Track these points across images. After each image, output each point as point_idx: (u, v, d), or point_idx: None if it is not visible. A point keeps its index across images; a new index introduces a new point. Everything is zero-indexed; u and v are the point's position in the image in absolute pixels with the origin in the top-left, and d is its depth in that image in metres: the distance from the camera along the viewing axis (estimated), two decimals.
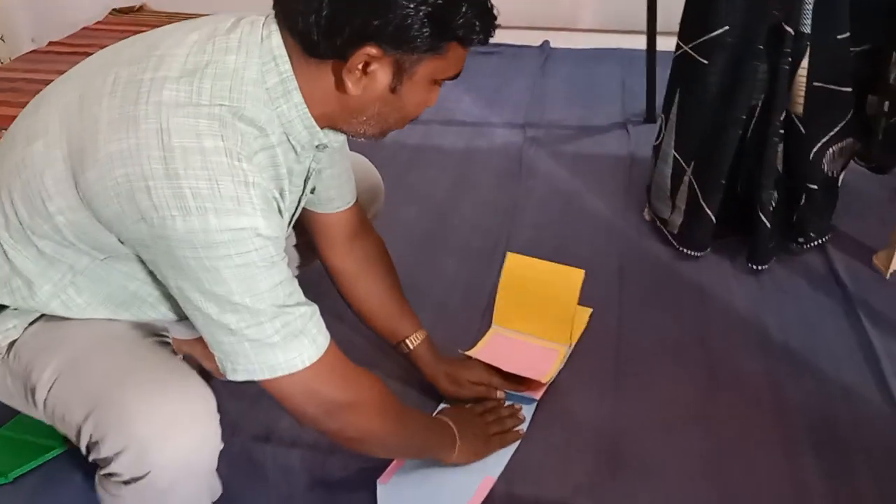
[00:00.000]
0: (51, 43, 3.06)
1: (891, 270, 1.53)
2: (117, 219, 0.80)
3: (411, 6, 0.77)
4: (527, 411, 1.22)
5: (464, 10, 0.80)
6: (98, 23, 3.33)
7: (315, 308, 0.87)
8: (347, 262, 1.18)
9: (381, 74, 0.82)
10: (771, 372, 1.31)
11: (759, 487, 1.10)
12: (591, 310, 1.44)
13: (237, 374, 0.84)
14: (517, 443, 1.17)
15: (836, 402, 1.25)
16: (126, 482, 0.86)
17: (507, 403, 1.23)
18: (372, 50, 0.79)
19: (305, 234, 1.18)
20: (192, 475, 0.89)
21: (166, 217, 0.76)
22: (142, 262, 0.88)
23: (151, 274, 0.90)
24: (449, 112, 2.30)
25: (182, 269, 0.79)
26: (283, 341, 0.83)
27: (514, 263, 1.35)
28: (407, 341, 1.22)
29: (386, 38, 0.79)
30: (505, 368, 1.24)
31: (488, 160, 2.08)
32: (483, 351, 1.31)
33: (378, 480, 1.11)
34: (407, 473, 1.12)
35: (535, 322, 1.34)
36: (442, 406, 1.24)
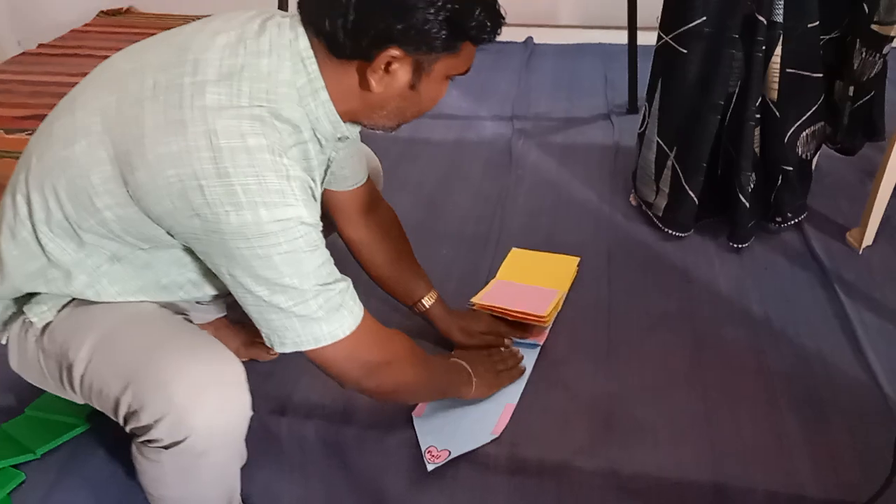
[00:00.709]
0: (41, 45, 3.09)
1: (863, 246, 1.62)
2: (169, 215, 0.86)
3: (431, 11, 0.84)
4: (531, 355, 1.36)
5: (477, 12, 0.87)
6: (86, 25, 3.36)
7: (349, 281, 0.95)
8: (363, 233, 1.27)
9: (402, 73, 0.90)
10: (753, 340, 1.40)
11: (744, 442, 1.18)
12: (578, 258, 1.61)
13: (285, 346, 0.92)
14: (527, 376, 1.31)
15: (814, 365, 1.33)
16: (166, 447, 0.91)
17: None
18: (395, 51, 0.86)
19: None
20: (227, 439, 0.95)
21: (220, 213, 0.83)
22: (186, 250, 0.94)
23: (193, 261, 0.97)
24: (438, 106, 2.30)
25: (235, 258, 0.86)
26: (326, 315, 0.91)
27: (517, 255, 1.55)
28: (422, 301, 1.33)
29: (408, 40, 0.86)
30: (508, 307, 1.37)
31: (478, 152, 2.16)
32: (488, 294, 1.45)
33: (413, 413, 1.23)
34: (438, 405, 1.24)
35: (534, 278, 1.52)
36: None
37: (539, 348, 1.37)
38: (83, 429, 1.24)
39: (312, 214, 0.89)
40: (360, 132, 1.05)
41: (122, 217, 0.89)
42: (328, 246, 0.94)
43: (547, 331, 1.41)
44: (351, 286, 0.96)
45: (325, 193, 1.20)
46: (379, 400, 1.08)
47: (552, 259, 1.61)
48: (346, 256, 1.26)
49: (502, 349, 1.34)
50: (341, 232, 1.28)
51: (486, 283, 1.53)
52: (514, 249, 1.64)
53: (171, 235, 0.90)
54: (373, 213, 1.28)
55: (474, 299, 1.42)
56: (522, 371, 1.32)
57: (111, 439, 1.23)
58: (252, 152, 0.83)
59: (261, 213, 0.83)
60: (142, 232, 0.91)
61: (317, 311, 0.90)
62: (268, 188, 0.83)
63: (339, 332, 0.92)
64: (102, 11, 3.47)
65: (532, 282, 1.51)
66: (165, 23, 3.22)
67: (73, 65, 2.85)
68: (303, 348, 0.92)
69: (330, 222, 1.27)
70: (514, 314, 1.37)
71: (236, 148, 0.83)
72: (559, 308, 1.46)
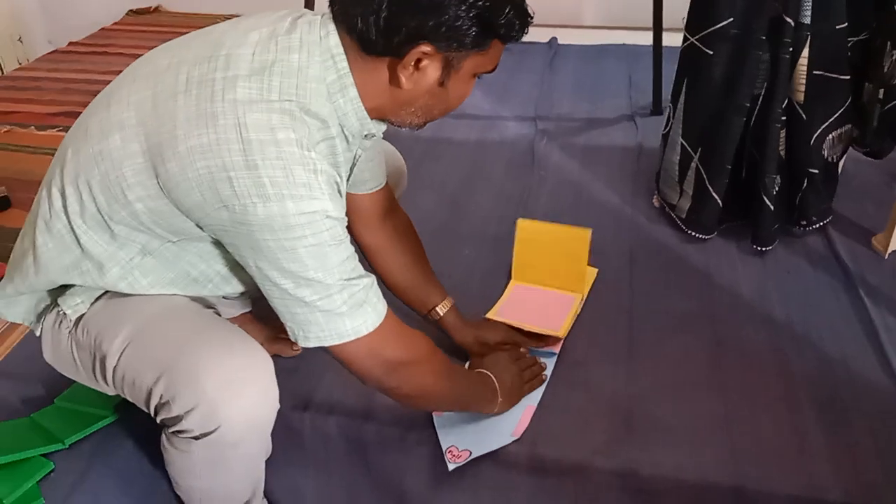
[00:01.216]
0: (71, 43, 3.15)
1: (889, 251, 1.61)
2: (198, 207, 0.88)
3: (462, 8, 0.85)
4: (549, 365, 1.35)
5: (507, 10, 0.88)
6: (115, 23, 3.42)
7: (373, 278, 0.96)
8: (379, 238, 1.27)
9: (432, 70, 0.90)
10: (775, 343, 1.39)
11: (764, 444, 1.18)
12: (597, 270, 1.58)
13: (309, 341, 0.93)
14: (545, 384, 1.31)
15: (836, 368, 1.33)
16: (196, 437, 0.93)
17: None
18: (426, 48, 0.87)
19: None
20: (257, 430, 0.97)
21: (247, 204, 0.84)
22: (215, 243, 0.96)
23: (222, 254, 0.98)
24: (461, 106, 2.35)
25: (261, 250, 0.87)
26: (350, 311, 0.92)
27: (525, 227, 1.50)
28: (437, 309, 1.32)
29: (439, 37, 0.87)
30: (524, 323, 1.36)
31: (500, 152, 2.16)
32: (504, 308, 1.44)
33: (434, 413, 1.23)
34: None
35: (550, 277, 1.50)
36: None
37: (556, 357, 1.37)
38: (111, 419, 1.27)
39: (338, 209, 0.90)
40: (384, 132, 1.06)
41: (153, 209, 0.91)
42: None
43: (563, 340, 1.40)
44: (375, 283, 0.96)
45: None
46: (400, 402, 1.07)
47: (564, 233, 1.49)
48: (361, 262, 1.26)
49: (526, 357, 1.33)
50: (357, 236, 1.26)
51: (508, 283, 1.54)
52: (520, 220, 1.52)
53: (200, 228, 0.92)
54: (389, 218, 1.28)
55: (489, 314, 1.42)
56: (543, 381, 1.31)
57: (138, 431, 1.25)
58: (281, 145, 0.84)
59: (287, 206, 0.84)
60: (172, 224, 0.93)
61: (341, 306, 0.91)
62: (295, 181, 0.84)
63: (362, 329, 0.93)
64: (131, 10, 3.53)
65: (548, 266, 1.49)
66: (193, 21, 3.27)
67: (102, 63, 2.90)
68: (326, 343, 0.93)
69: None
70: (530, 328, 1.37)
71: (265, 141, 0.84)
72: (578, 314, 1.45)
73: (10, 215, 1.92)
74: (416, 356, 1.02)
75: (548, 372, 1.33)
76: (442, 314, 1.32)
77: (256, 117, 0.85)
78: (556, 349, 1.38)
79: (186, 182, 0.86)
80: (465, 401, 1.17)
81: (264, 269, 0.89)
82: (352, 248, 0.94)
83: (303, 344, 0.94)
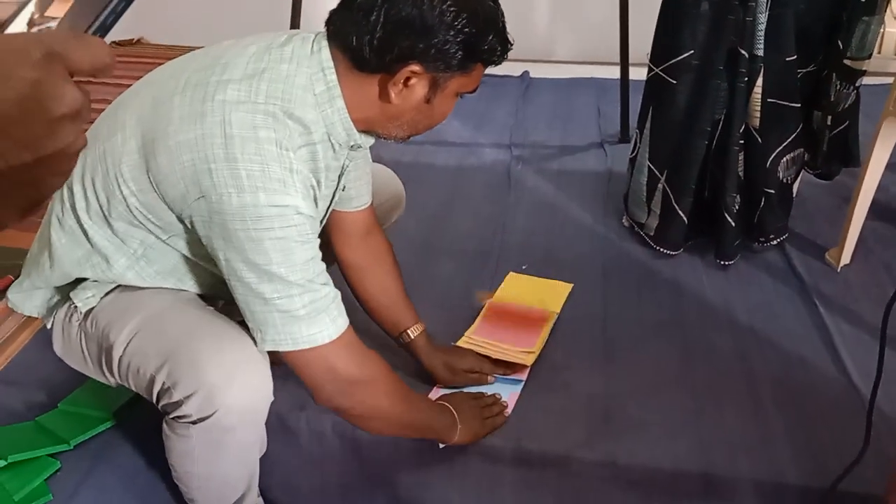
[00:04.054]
0: None
1: (842, 264, 1.74)
2: (181, 199, 0.94)
3: (451, 34, 0.95)
4: (515, 391, 1.38)
5: (490, 37, 0.98)
6: None
7: (338, 293, 1.00)
8: (359, 256, 1.31)
9: (420, 87, 0.99)
10: (739, 347, 1.50)
11: (731, 437, 1.28)
12: (571, 284, 1.68)
13: (265, 343, 0.96)
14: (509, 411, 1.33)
15: (796, 370, 1.44)
16: (194, 422, 0.99)
17: (496, 384, 1.39)
18: (415, 67, 0.96)
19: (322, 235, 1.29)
20: (252, 417, 1.03)
21: (223, 194, 0.90)
22: (198, 243, 0.99)
23: (203, 256, 1.02)
24: (440, 134, 2.49)
25: (231, 240, 0.92)
26: (307, 316, 0.95)
27: (514, 279, 1.63)
28: (408, 332, 1.34)
29: (428, 58, 0.96)
30: (495, 349, 1.42)
31: (479, 176, 2.27)
32: (482, 323, 1.52)
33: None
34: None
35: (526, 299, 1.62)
36: (438, 391, 1.38)
37: (522, 384, 1.40)
38: (110, 424, 1.32)
39: (310, 207, 0.94)
40: (372, 153, 1.12)
41: (144, 203, 0.97)
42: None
43: (529, 368, 1.42)
44: (339, 297, 0.99)
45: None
46: (355, 424, 1.08)
47: (546, 285, 1.67)
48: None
49: (487, 395, 1.34)
50: (337, 252, 1.30)
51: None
52: (511, 274, 1.70)
53: (182, 221, 0.97)
54: (370, 238, 1.31)
55: (469, 331, 1.48)
56: (505, 420, 1.31)
57: (140, 433, 1.31)
58: (261, 143, 0.90)
59: (259, 197, 0.89)
60: (160, 218, 0.98)
61: (300, 308, 0.94)
62: (270, 176, 0.90)
63: (318, 338, 0.96)
64: (114, 42, 3.60)
65: (525, 297, 1.60)
66: (174, 53, 3.33)
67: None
68: (281, 348, 0.96)
69: (330, 252, 1.29)
70: (500, 352, 1.41)
71: (247, 137, 0.90)
72: (545, 340, 1.49)
73: (5, 234, 1.96)
74: (371, 376, 1.03)
75: (514, 399, 1.35)
76: (413, 337, 1.34)
77: (241, 116, 0.91)
78: (524, 376, 1.41)
79: (173, 174, 0.92)
80: (421, 427, 1.18)
81: (232, 261, 0.93)
82: (319, 253, 0.97)
83: (260, 347, 0.97)
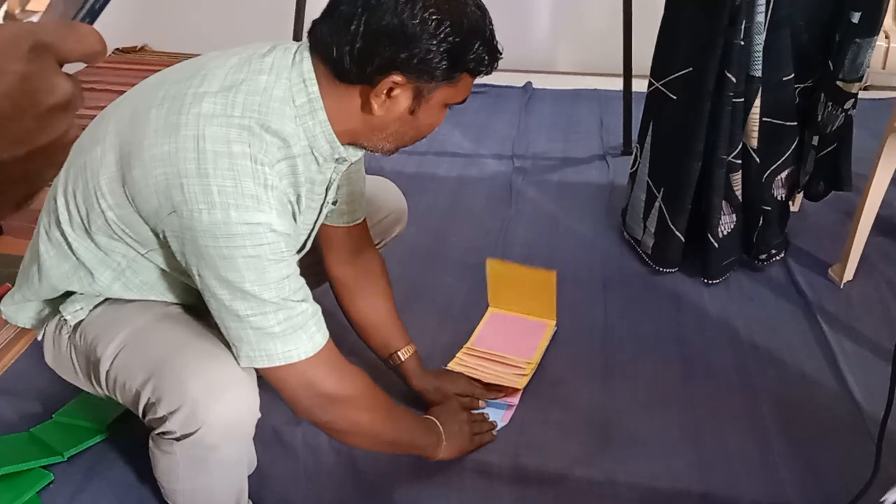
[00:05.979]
0: None
1: (845, 280, 1.72)
2: (155, 213, 0.92)
3: (434, 43, 0.91)
4: (506, 415, 1.36)
5: (476, 46, 0.95)
6: (103, 61, 3.49)
7: (318, 308, 0.97)
8: (350, 273, 1.28)
9: (403, 98, 0.95)
10: (739, 363, 1.49)
11: (731, 456, 1.27)
12: (555, 271, 1.57)
13: (241, 359, 0.95)
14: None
15: (796, 386, 1.42)
16: (178, 439, 0.98)
17: (487, 408, 1.37)
18: (397, 78, 0.92)
19: (314, 253, 1.22)
20: (237, 435, 1.01)
21: (194, 210, 0.88)
22: (175, 257, 0.97)
23: (181, 270, 1.00)
24: (442, 145, 2.49)
25: (203, 257, 0.90)
26: (282, 333, 0.93)
27: (495, 266, 1.57)
28: (399, 353, 1.31)
29: (410, 68, 0.92)
30: (487, 371, 1.41)
31: (480, 187, 2.26)
32: (482, 334, 1.51)
33: None
34: None
35: (523, 307, 1.60)
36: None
37: (514, 409, 1.37)
38: (102, 437, 1.31)
39: (285, 225, 0.92)
40: (374, 164, 1.10)
41: (121, 217, 0.95)
42: (317, 299, 0.98)
43: (521, 391, 1.40)
44: (319, 312, 0.97)
45: (320, 227, 1.19)
46: (337, 438, 1.07)
47: (531, 276, 1.57)
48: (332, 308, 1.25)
49: (477, 413, 1.33)
50: (328, 268, 1.27)
51: (487, 309, 1.62)
52: (489, 260, 1.57)
53: (156, 235, 0.95)
54: (363, 255, 1.28)
55: (469, 342, 1.47)
56: (493, 438, 1.30)
57: (133, 446, 1.29)
58: (234, 157, 0.88)
59: (231, 214, 0.87)
60: (137, 232, 0.97)
61: (274, 326, 0.92)
62: (243, 192, 0.88)
63: (293, 355, 0.94)
64: (118, 49, 3.60)
65: (520, 299, 1.57)
66: (177, 60, 3.32)
67: (89, 99, 2.89)
68: (256, 364, 0.94)
69: (320, 271, 1.28)
70: (491, 376, 1.39)
71: (220, 152, 0.88)
72: (543, 351, 1.48)
73: (3, 241, 1.96)
74: (351, 393, 1.01)
75: (503, 423, 1.33)
76: (403, 359, 1.31)
77: (215, 130, 0.89)
78: (515, 400, 1.39)
79: (147, 188, 0.90)
80: (404, 444, 1.16)
81: (205, 277, 0.91)
82: (295, 269, 0.95)
83: (238, 363, 0.96)
